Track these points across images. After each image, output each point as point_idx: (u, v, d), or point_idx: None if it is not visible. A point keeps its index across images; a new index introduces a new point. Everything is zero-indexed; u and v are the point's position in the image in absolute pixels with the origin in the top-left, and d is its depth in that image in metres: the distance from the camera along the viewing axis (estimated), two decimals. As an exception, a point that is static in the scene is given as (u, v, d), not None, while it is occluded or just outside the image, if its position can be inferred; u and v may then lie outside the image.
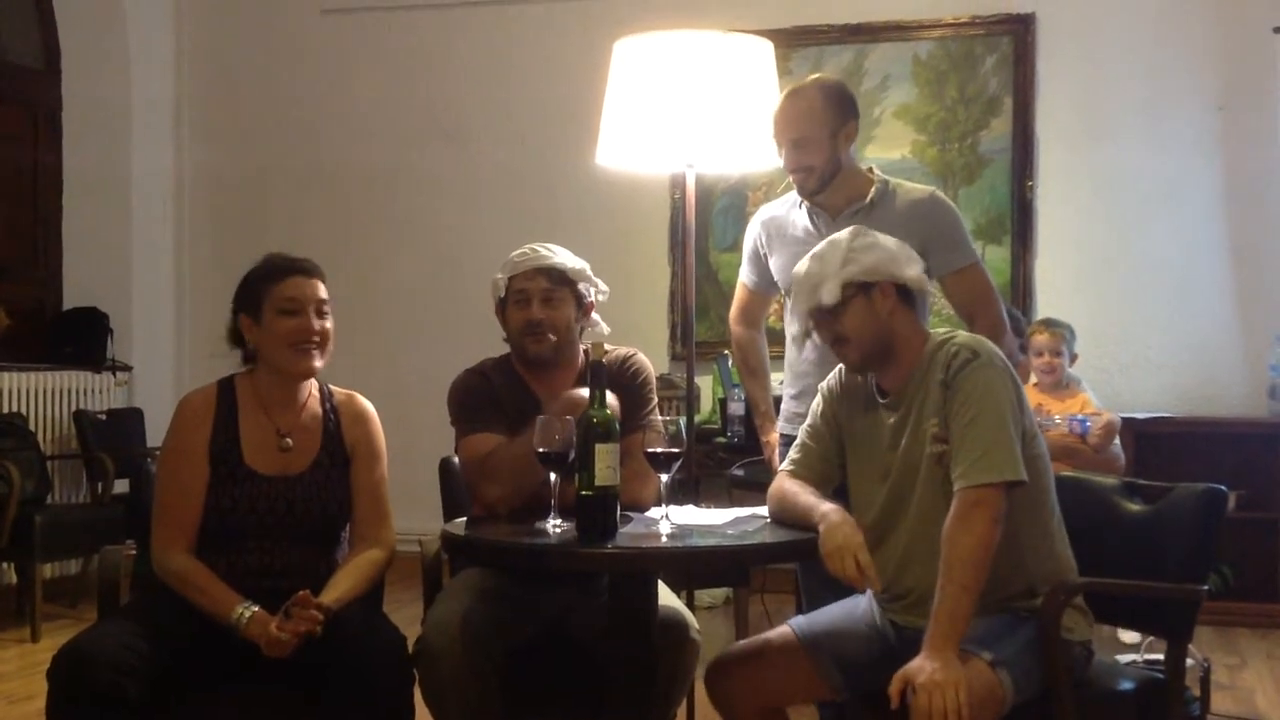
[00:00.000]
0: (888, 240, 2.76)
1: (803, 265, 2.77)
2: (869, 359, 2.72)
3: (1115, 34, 6.15)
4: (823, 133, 3.34)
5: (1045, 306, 6.00)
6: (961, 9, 6.29)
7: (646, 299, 6.44)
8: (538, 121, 6.73)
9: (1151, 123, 6.10)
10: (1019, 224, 6.24)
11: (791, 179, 3.42)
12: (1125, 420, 5.45)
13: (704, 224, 6.49)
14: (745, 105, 3.58)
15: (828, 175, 3.36)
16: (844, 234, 2.77)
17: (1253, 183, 6.01)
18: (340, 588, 2.83)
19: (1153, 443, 5.69)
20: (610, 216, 6.26)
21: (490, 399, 3.06)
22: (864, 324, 2.69)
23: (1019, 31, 6.25)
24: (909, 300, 2.73)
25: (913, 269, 2.72)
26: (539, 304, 3.03)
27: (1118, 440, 5.09)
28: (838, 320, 2.70)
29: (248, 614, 2.72)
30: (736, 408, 5.27)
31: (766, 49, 3.67)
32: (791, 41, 6.25)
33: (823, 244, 2.79)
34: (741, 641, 2.91)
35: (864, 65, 6.37)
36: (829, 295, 2.68)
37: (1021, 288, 6.20)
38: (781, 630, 2.81)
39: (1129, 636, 4.91)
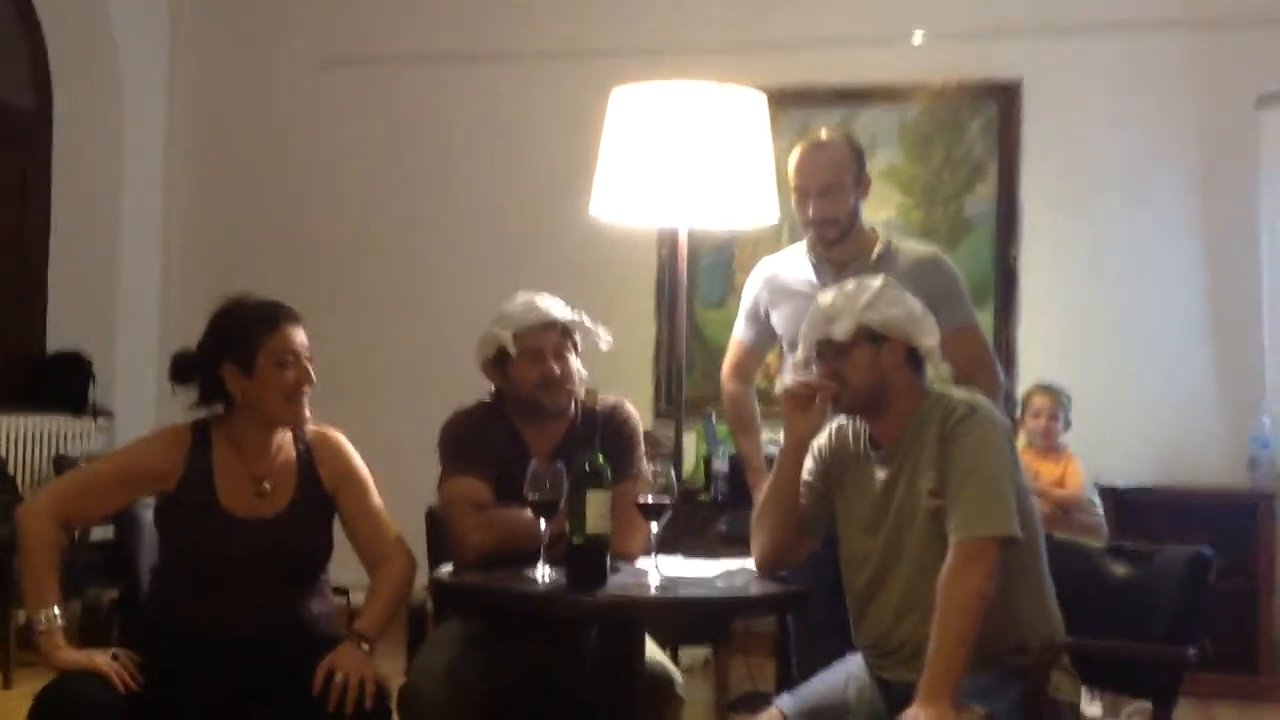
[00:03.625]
0: (914, 303, 2.77)
1: (826, 295, 2.78)
2: (857, 406, 2.74)
3: (1100, 103, 6.22)
4: (848, 182, 3.41)
5: (1027, 372, 6.02)
6: (948, 74, 6.35)
7: (631, 355, 6.44)
8: (526, 175, 6.75)
9: (1135, 191, 6.16)
10: (1002, 289, 6.27)
11: (812, 230, 3.46)
12: (1105, 489, 5.48)
13: (690, 281, 6.49)
14: (739, 159, 3.62)
15: (848, 226, 3.42)
16: (876, 280, 2.78)
17: (1234, 253, 6.05)
18: (369, 614, 2.81)
19: (1133, 511, 5.69)
20: (596, 272, 6.27)
21: (481, 442, 3.05)
22: (864, 372, 2.70)
23: (1004, 98, 6.31)
24: (915, 363, 2.74)
25: (929, 339, 2.74)
26: (554, 359, 3.04)
27: (1100, 507, 5.13)
28: (839, 359, 2.71)
29: (48, 624, 2.69)
30: (720, 465, 5.24)
31: (760, 102, 3.73)
32: (780, 103, 6.26)
33: (852, 281, 2.80)
34: None
35: (851, 128, 6.42)
36: (840, 332, 2.69)
37: (1004, 353, 6.22)
38: (770, 714, 2.77)
39: (1093, 710, 4.90)
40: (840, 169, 3.45)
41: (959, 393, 2.76)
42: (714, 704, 4.75)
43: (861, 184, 3.48)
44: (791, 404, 2.80)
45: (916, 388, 2.75)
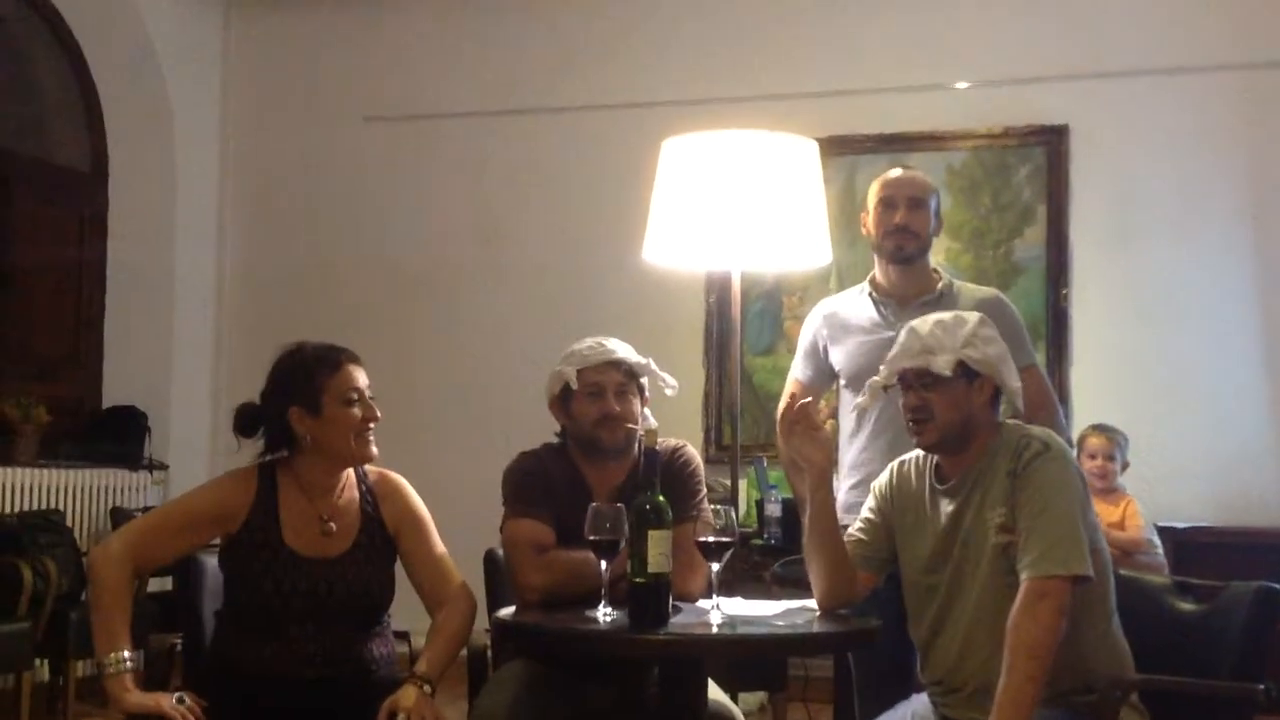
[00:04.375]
0: (1002, 343, 2.77)
1: (922, 325, 2.76)
2: (944, 442, 2.72)
3: (1147, 143, 6.21)
4: (931, 204, 3.49)
5: (1081, 414, 5.98)
6: (995, 120, 6.37)
7: (680, 403, 6.42)
8: (571, 225, 6.80)
9: (1185, 229, 6.13)
10: (1054, 332, 6.24)
11: (893, 239, 3.51)
12: (1164, 529, 5.43)
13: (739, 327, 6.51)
14: (791, 204, 3.65)
15: (925, 247, 3.47)
16: (972, 316, 2.78)
17: (1287, 290, 6.02)
18: (430, 655, 2.83)
19: (1192, 552, 5.63)
20: (643, 319, 6.28)
21: (544, 484, 3.07)
22: (955, 408, 2.68)
23: (1052, 142, 6.31)
24: (996, 403, 2.74)
25: (1015, 381, 2.74)
26: (614, 397, 3.06)
27: (1159, 545, 5.08)
28: (934, 393, 2.69)
29: (117, 667, 2.71)
30: (773, 509, 5.27)
31: (812, 149, 3.75)
32: (828, 151, 6.26)
33: (948, 314, 2.79)
34: None
35: (899, 174, 6.44)
36: (942, 365, 2.67)
37: (1058, 395, 6.19)
38: None
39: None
40: (927, 189, 3.59)
41: (1033, 429, 2.74)
42: (772, 750, 4.72)
43: (938, 218, 3.59)
44: (790, 427, 2.82)
45: (994, 425, 2.74)
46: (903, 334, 2.78)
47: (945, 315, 2.78)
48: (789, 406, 2.88)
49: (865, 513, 2.88)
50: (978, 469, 2.69)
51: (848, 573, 2.83)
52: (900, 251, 3.51)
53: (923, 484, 2.79)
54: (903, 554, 2.81)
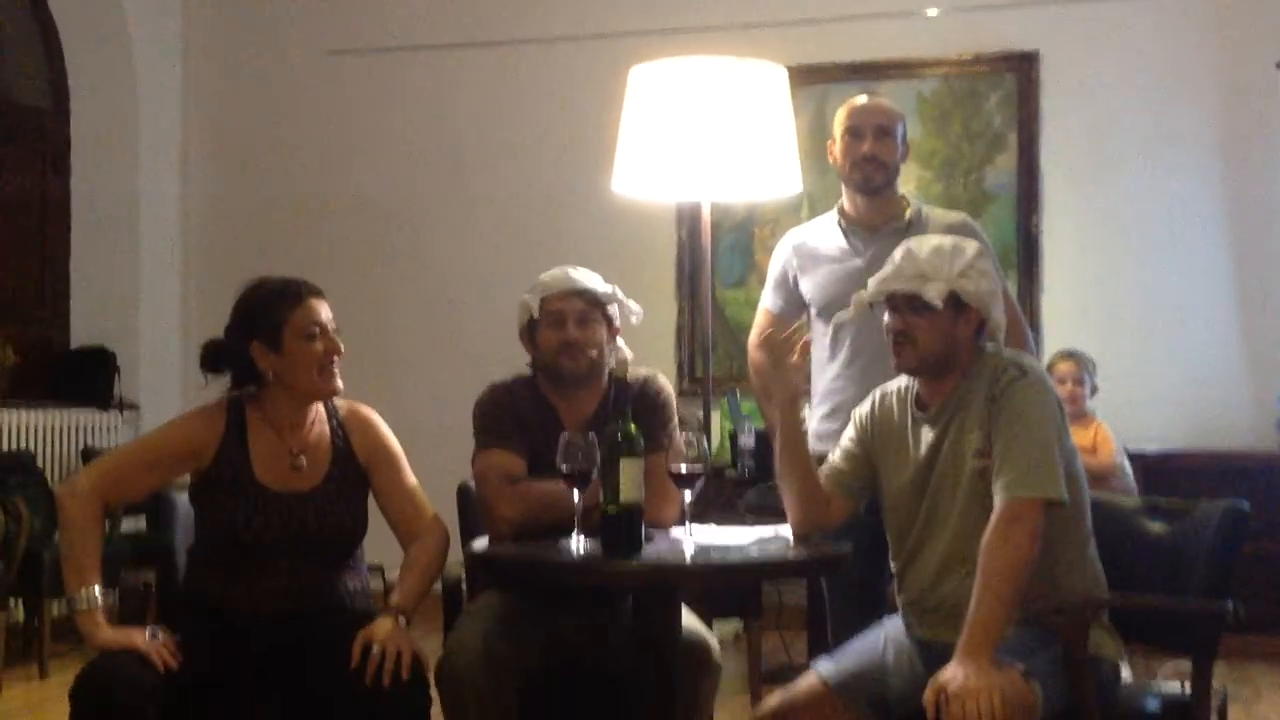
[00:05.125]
0: (995, 277, 2.75)
1: (920, 247, 2.71)
2: (924, 367, 2.71)
3: (1118, 71, 6.19)
4: (898, 131, 3.48)
5: (1052, 341, 6.01)
6: (965, 47, 6.33)
7: (653, 335, 6.42)
8: (541, 157, 6.76)
9: (1156, 157, 6.13)
10: (1025, 259, 6.25)
11: (861, 170, 3.50)
12: (1134, 454, 5.47)
13: (711, 260, 6.50)
14: (761, 132, 3.63)
15: (893, 176, 3.46)
16: (971, 246, 2.73)
17: (1257, 216, 6.03)
18: (404, 587, 2.82)
19: (1162, 476, 5.67)
20: (615, 252, 6.25)
21: (514, 415, 3.06)
22: (940, 337, 2.67)
23: (1022, 69, 6.28)
24: (980, 335, 2.73)
25: (1000, 314, 2.72)
26: (574, 324, 3.05)
27: (1129, 469, 5.13)
28: (921, 319, 2.66)
29: (88, 603, 2.71)
30: (746, 440, 5.29)
31: (781, 77, 3.72)
32: (797, 79, 6.20)
33: (947, 240, 2.75)
34: (771, 700, 2.84)
35: (869, 103, 6.41)
36: (933, 294, 2.64)
37: (1029, 323, 6.20)
38: (809, 680, 2.77)
39: (1124, 674, 4.90)
40: (893, 116, 3.56)
41: (1008, 353, 2.74)
42: (747, 677, 4.76)
43: (904, 145, 3.57)
44: (772, 358, 2.83)
45: (974, 353, 2.73)
46: (898, 253, 2.73)
47: (944, 241, 2.73)
48: (770, 337, 2.86)
49: (845, 441, 2.88)
50: (957, 395, 2.69)
51: (821, 498, 2.83)
52: (869, 183, 3.50)
53: (905, 413, 2.79)
54: (884, 482, 2.81)
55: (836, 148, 3.56)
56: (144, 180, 6.97)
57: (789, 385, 2.82)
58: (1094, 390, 5.28)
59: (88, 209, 6.89)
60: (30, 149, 6.79)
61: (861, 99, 3.61)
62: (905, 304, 2.68)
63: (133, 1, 6.89)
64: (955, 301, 2.65)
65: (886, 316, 2.73)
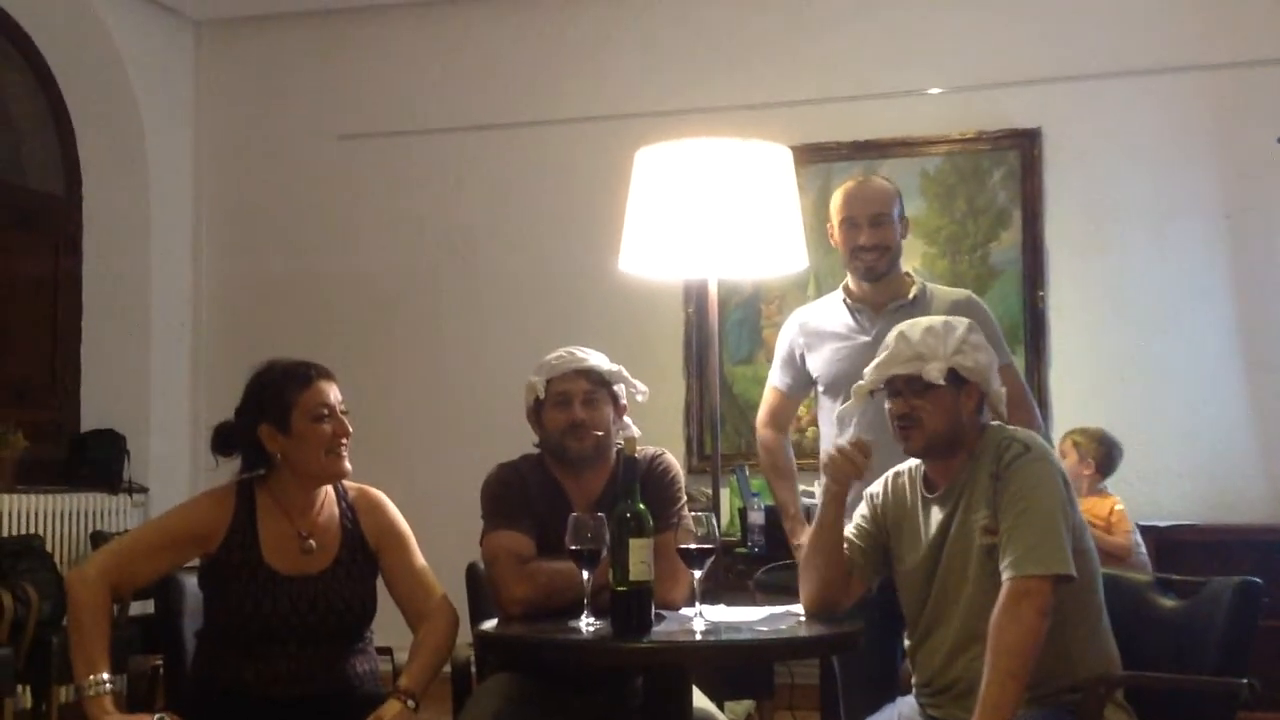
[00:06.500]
0: (990, 350, 2.77)
1: (912, 330, 2.73)
2: (931, 448, 2.71)
3: (1120, 146, 6.23)
4: (894, 214, 3.50)
5: (1061, 417, 6.00)
6: (968, 125, 6.38)
7: (661, 413, 6.44)
8: (548, 238, 6.79)
9: (1159, 230, 6.15)
10: (1031, 335, 6.25)
11: (862, 260, 3.52)
12: (1146, 529, 5.45)
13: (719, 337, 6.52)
14: (766, 211, 3.65)
15: (894, 259, 3.49)
16: (961, 323, 2.76)
17: (1262, 289, 6.04)
18: (413, 670, 2.81)
19: (1175, 551, 5.64)
20: (623, 331, 6.29)
21: (522, 495, 3.06)
22: (944, 415, 2.68)
23: (1025, 146, 6.33)
24: (981, 410, 2.74)
25: (998, 385, 2.74)
26: (581, 405, 3.06)
27: (1143, 545, 5.11)
28: (925, 400, 2.68)
29: (96, 689, 2.70)
30: (756, 517, 5.28)
31: (785, 156, 3.75)
32: (802, 159, 6.28)
33: (937, 320, 2.78)
34: None
35: (873, 180, 6.45)
36: (934, 373, 2.66)
37: (1036, 398, 6.20)
38: None
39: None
40: (887, 200, 3.57)
41: (1015, 430, 2.74)
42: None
43: (903, 221, 3.59)
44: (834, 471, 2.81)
45: (979, 431, 2.74)
46: (892, 339, 2.76)
47: (935, 322, 2.76)
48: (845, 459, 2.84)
49: (859, 520, 2.88)
50: (964, 475, 2.69)
51: (842, 579, 2.83)
52: (871, 271, 3.53)
53: (915, 494, 2.80)
54: (897, 563, 2.81)
55: (835, 232, 3.59)
56: (155, 263, 7.00)
57: (846, 477, 2.81)
58: (1103, 469, 5.28)
59: (99, 292, 6.92)
60: (43, 234, 6.84)
61: (852, 184, 3.63)
62: (907, 386, 2.70)
63: (144, 86, 6.97)
64: (954, 377, 2.67)
65: (888, 403, 2.74)
